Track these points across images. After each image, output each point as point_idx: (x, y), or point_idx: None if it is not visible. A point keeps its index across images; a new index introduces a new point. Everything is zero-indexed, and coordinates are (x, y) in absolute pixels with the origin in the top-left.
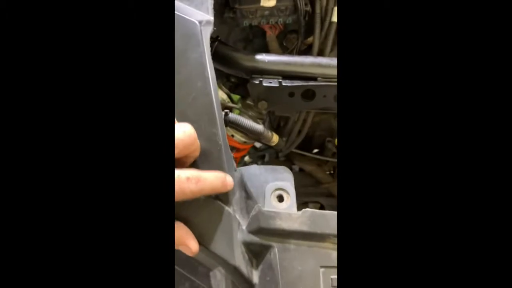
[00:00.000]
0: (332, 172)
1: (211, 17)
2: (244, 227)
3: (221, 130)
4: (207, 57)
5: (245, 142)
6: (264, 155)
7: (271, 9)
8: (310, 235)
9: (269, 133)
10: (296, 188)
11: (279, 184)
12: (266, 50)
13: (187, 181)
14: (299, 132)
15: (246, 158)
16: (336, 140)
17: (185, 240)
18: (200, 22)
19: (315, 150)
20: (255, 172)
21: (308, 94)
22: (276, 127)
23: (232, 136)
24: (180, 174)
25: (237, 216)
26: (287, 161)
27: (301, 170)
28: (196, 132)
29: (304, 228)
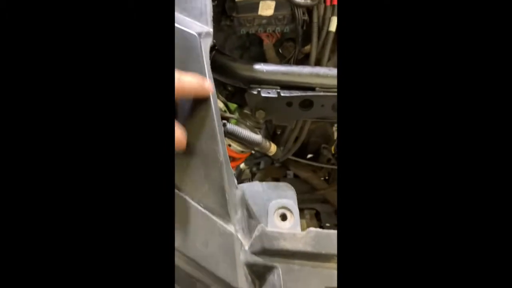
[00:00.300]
0: (327, 178)
1: (210, 29)
2: (246, 248)
3: (222, 147)
4: (207, 71)
5: (242, 151)
6: (259, 162)
7: (268, 18)
8: (315, 255)
9: (267, 143)
10: None
11: (282, 202)
12: (262, 57)
13: None
14: (296, 139)
15: (242, 165)
16: (332, 148)
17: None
18: (199, 34)
19: (309, 156)
20: (257, 190)
21: (306, 103)
22: (272, 134)
23: (229, 145)
24: None
25: (239, 236)
26: (282, 167)
27: (295, 176)
28: (196, 148)
29: (309, 248)
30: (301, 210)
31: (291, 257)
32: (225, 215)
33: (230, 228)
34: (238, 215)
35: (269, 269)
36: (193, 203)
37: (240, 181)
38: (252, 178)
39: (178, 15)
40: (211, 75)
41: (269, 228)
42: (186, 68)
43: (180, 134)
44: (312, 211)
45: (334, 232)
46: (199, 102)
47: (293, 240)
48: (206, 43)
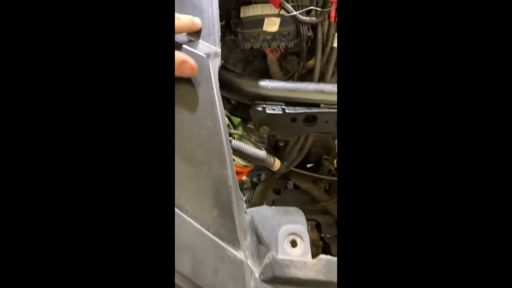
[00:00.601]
0: (328, 188)
1: (218, 49)
2: (257, 275)
3: (231, 171)
4: (216, 93)
5: (245, 166)
6: (260, 173)
7: (273, 33)
8: (326, 283)
9: (271, 159)
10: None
11: (292, 228)
12: (266, 71)
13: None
14: (299, 151)
15: (244, 178)
16: (334, 161)
17: (183, 57)
18: (208, 55)
19: (310, 165)
20: (266, 215)
21: (310, 118)
22: (274, 146)
23: (233, 160)
24: None
25: (249, 262)
26: (283, 178)
27: (296, 186)
28: (206, 173)
29: (320, 276)
30: None
31: (302, 285)
32: (235, 241)
33: (240, 255)
34: (248, 241)
35: None
36: (202, 229)
37: (241, 191)
38: (252, 187)
39: (186, 36)
40: (220, 98)
41: (280, 256)
42: (195, 89)
43: (190, 59)
44: (312, 222)
45: None
46: (210, 128)
47: (304, 268)
48: (215, 63)
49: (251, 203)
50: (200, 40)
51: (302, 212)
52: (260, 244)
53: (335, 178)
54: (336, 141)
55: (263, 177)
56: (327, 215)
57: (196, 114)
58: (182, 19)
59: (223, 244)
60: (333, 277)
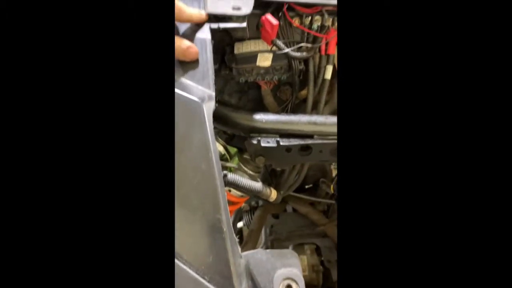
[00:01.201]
0: (326, 210)
1: (212, 92)
2: None
3: (226, 216)
4: (210, 137)
5: (241, 196)
6: (258, 201)
7: (266, 68)
8: None
9: (268, 190)
10: (291, 229)
11: (287, 272)
12: (261, 101)
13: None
14: (296, 177)
15: (243, 205)
16: (331, 187)
17: (188, 44)
18: (202, 99)
19: (308, 186)
20: (261, 258)
21: (305, 148)
22: (270, 172)
23: (229, 191)
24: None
25: None
26: (282, 203)
27: (294, 210)
28: (200, 218)
29: None
30: (301, 245)
31: None
32: None
33: None
34: (243, 286)
35: None
36: (198, 277)
37: (240, 216)
38: (251, 211)
39: (182, 80)
40: (215, 141)
41: None
42: (190, 134)
43: (193, 45)
44: (312, 246)
45: None
46: (204, 171)
47: None
48: (209, 107)
49: (250, 229)
50: (195, 84)
51: (296, 255)
52: None
53: (333, 201)
54: (332, 166)
55: (261, 203)
56: (326, 238)
57: (191, 157)
58: (190, 10)
59: None
60: None
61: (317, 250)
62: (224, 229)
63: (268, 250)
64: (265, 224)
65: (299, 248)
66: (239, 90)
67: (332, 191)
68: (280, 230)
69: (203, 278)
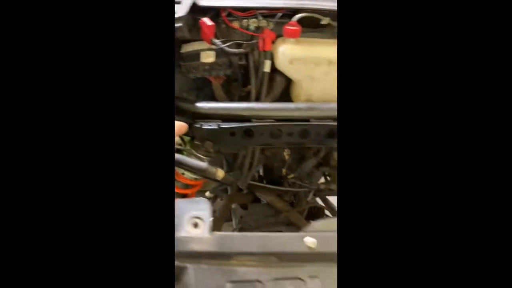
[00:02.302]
0: (294, 201)
1: None
2: None
3: None
4: None
5: (195, 179)
6: (226, 189)
7: (210, 64)
8: (219, 254)
9: (213, 169)
10: (258, 219)
11: (195, 213)
12: (214, 96)
13: None
14: (251, 165)
15: (207, 194)
16: (283, 170)
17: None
18: None
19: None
20: (178, 206)
21: (248, 133)
22: (232, 162)
23: (183, 174)
24: None
25: None
26: (250, 193)
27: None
28: None
29: (213, 249)
30: None
31: (199, 258)
32: None
33: None
34: None
35: (182, 270)
36: None
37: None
38: (215, 199)
39: None
40: None
41: (182, 234)
42: None
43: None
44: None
45: (236, 234)
46: None
47: (201, 243)
48: None
49: (214, 219)
50: None
51: (208, 202)
52: None
53: (298, 189)
54: (284, 152)
55: (229, 192)
56: (291, 226)
57: None
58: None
59: None
60: (224, 248)
61: None
62: None
63: (185, 199)
64: (235, 215)
65: None
66: (195, 87)
67: (284, 173)
68: (248, 220)
69: None
